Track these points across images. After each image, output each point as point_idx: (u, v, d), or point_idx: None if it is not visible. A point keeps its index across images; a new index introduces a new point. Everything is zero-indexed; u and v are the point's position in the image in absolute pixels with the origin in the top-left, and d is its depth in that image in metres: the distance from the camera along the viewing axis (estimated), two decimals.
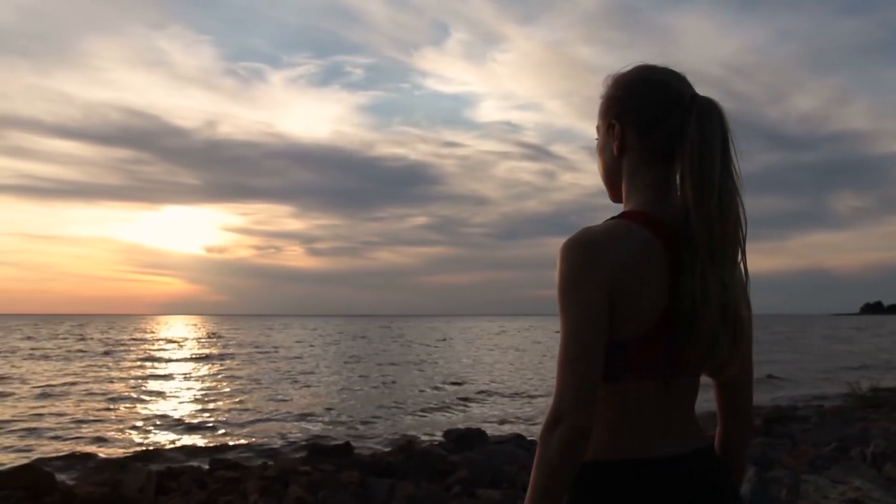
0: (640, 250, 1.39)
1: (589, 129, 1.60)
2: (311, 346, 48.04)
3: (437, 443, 9.82)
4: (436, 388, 21.28)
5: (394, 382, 22.94)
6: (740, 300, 1.40)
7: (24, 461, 9.30)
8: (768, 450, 9.38)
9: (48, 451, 11.20)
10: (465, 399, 18.39)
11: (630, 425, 1.43)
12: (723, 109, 1.42)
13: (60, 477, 8.09)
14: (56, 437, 12.49)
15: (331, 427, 13.80)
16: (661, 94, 1.46)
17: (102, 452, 11.12)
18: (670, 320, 1.39)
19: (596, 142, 1.59)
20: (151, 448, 11.50)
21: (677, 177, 1.44)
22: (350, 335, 67.58)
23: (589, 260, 1.36)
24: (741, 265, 1.43)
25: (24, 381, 21.82)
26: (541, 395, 18.71)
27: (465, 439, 9.26)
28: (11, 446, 11.70)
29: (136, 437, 12.64)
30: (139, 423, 14.22)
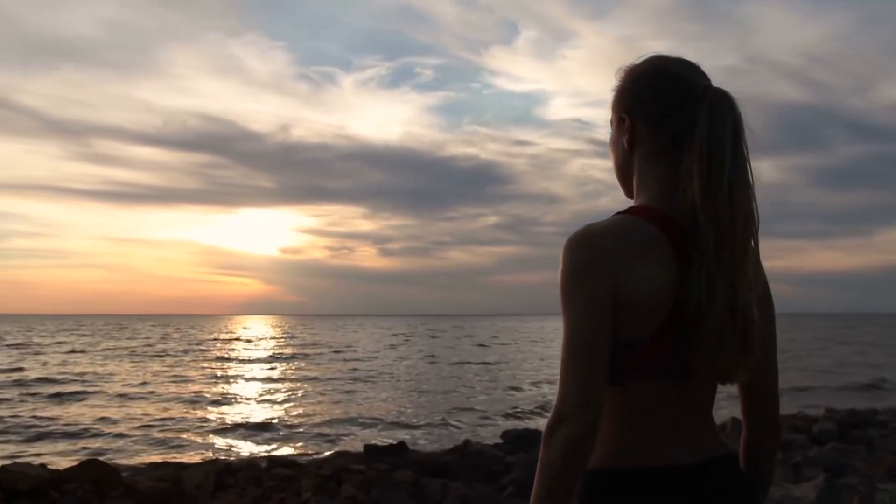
0: (646, 247, 1.34)
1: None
2: (382, 345, 48.49)
3: (494, 444, 9.72)
4: (506, 388, 21.05)
5: (461, 382, 22.89)
6: (752, 302, 1.33)
7: (92, 457, 9.57)
8: (842, 456, 8.97)
9: (116, 447, 11.55)
10: (533, 401, 18.11)
11: (640, 431, 1.37)
12: (736, 101, 1.36)
13: (125, 472, 8.30)
14: (122, 435, 12.88)
15: (393, 426, 13.85)
16: (672, 87, 1.41)
17: (166, 449, 11.41)
18: (677, 320, 1.33)
19: (609, 136, 1.54)
20: (214, 445, 11.74)
21: (682, 173, 1.36)
22: (421, 335, 67.93)
23: (592, 257, 1.32)
24: (754, 265, 1.35)
25: (104, 380, 22.63)
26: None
27: (523, 440, 9.14)
28: (85, 446, 12.10)
29: (202, 435, 12.94)
30: (207, 421, 14.56)
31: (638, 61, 1.48)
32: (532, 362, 32.83)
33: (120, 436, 12.78)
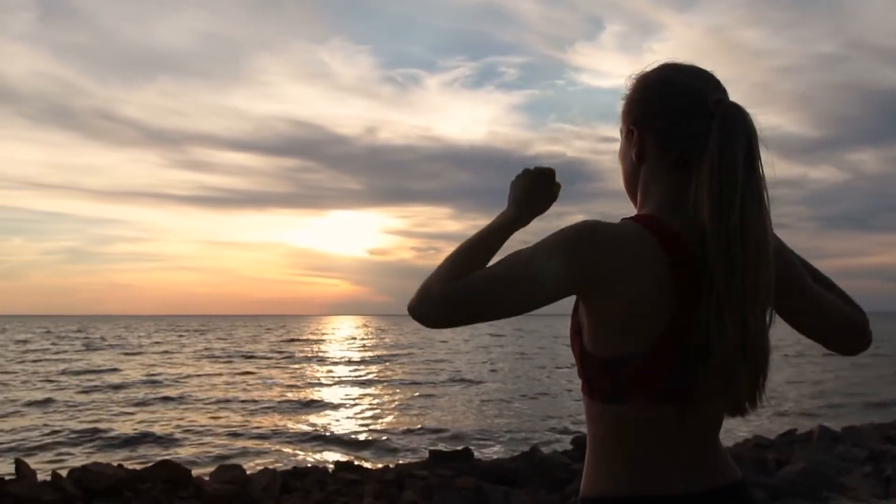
0: (644, 256, 1.26)
1: (756, 116, 1.39)
2: (472, 345, 48.37)
3: (564, 450, 9.49)
4: None
5: (547, 385, 22.59)
6: (766, 335, 1.26)
7: (167, 458, 9.84)
8: None
9: (192, 449, 11.85)
10: None
11: (638, 457, 1.29)
12: (750, 117, 1.27)
13: (197, 473, 8.48)
14: (201, 437, 13.21)
15: (469, 431, 13.76)
16: (682, 98, 1.33)
17: (240, 453, 11.64)
18: (680, 342, 1.25)
19: (620, 146, 1.48)
20: (288, 448, 11.89)
21: (692, 192, 1.28)
22: (511, 335, 67.42)
23: (589, 238, 1.26)
24: (770, 296, 1.26)
25: (191, 382, 23.37)
26: None
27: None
28: (164, 448, 12.46)
29: (279, 439, 13.13)
30: (285, 425, 14.78)
31: (649, 69, 1.40)
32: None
33: (199, 438, 13.10)
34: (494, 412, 16.67)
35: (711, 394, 1.25)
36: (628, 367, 1.26)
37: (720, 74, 1.38)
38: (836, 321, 1.42)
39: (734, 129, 1.25)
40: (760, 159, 1.26)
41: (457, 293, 1.27)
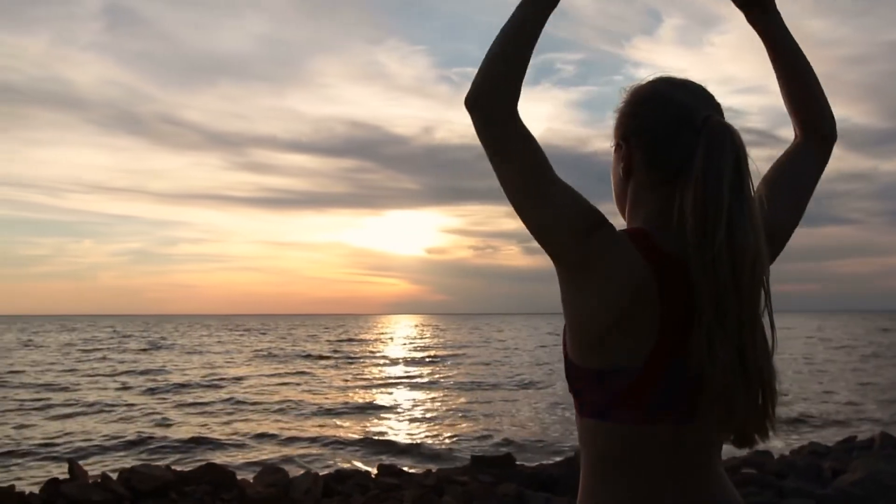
0: (638, 267, 1.23)
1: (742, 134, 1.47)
2: (532, 343, 48.02)
3: None
4: None
5: None
6: (767, 359, 1.20)
7: (216, 460, 9.97)
8: None
9: (241, 449, 12.00)
10: None
11: (629, 475, 1.26)
12: (738, 135, 1.24)
13: (242, 476, 8.57)
14: (252, 436, 13.38)
15: (516, 435, 13.63)
16: (670, 114, 1.31)
17: (286, 453, 11.74)
18: (671, 362, 1.22)
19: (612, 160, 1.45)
20: (336, 451, 11.94)
21: (675, 209, 1.26)
22: None
23: (607, 228, 1.24)
24: (765, 318, 1.22)
25: (244, 383, 23.76)
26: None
27: None
28: (214, 451, 12.63)
29: (324, 439, 13.20)
30: (336, 426, 14.85)
31: (641, 82, 1.38)
32: None
33: (249, 440, 13.24)
34: (546, 416, 16.48)
35: (714, 424, 1.22)
36: (618, 381, 1.23)
37: None
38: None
39: (721, 146, 1.21)
40: (750, 178, 1.22)
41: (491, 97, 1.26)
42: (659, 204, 1.30)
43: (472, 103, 1.26)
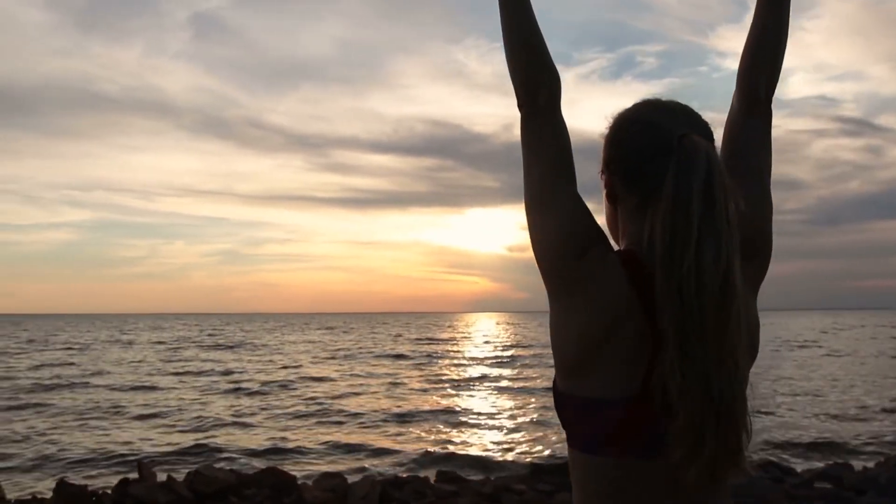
0: (623, 290, 1.19)
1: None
2: None
3: None
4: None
5: None
6: (739, 392, 1.11)
7: (275, 465, 10.06)
8: None
9: (308, 456, 12.08)
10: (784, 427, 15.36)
11: None
12: (710, 154, 1.17)
13: (303, 480, 8.62)
14: (321, 441, 13.46)
15: None
16: (647, 138, 1.28)
17: (351, 456, 11.77)
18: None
19: None
20: (400, 456, 11.89)
21: (646, 232, 1.21)
22: None
23: (602, 245, 1.25)
24: (739, 346, 1.12)
25: (323, 384, 24.07)
26: (854, 419, 15.26)
27: None
28: (281, 454, 12.75)
29: (386, 442, 13.18)
30: (402, 430, 14.82)
31: (627, 107, 1.36)
32: (788, 373, 27.05)
33: (318, 444, 13.32)
34: None
35: (684, 462, 1.12)
36: (607, 413, 1.18)
37: (881, 49, 1.27)
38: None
39: (691, 167, 1.14)
40: (724, 197, 1.13)
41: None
42: (640, 229, 1.25)
43: (522, 99, 1.31)
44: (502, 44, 1.33)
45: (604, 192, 1.36)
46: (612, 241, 1.33)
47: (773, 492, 6.68)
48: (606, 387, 1.18)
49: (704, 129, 1.29)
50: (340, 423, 15.54)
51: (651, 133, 1.27)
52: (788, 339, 50.06)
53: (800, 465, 9.65)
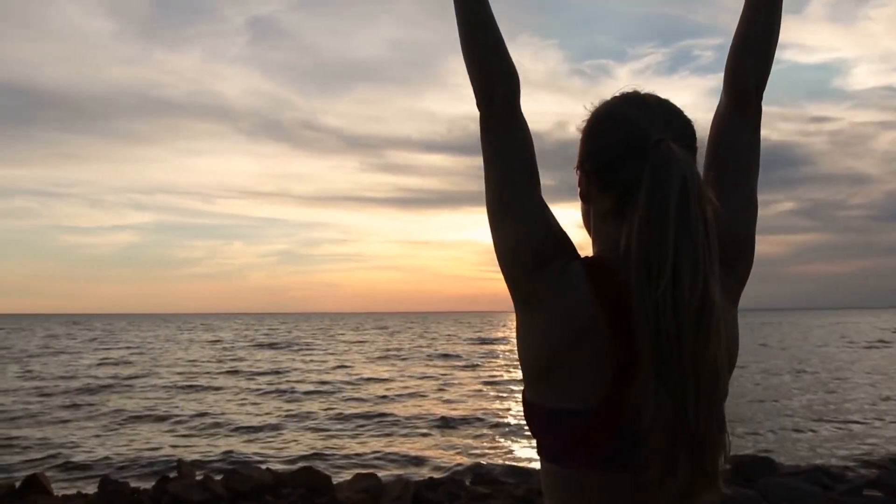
0: (586, 302, 1.15)
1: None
2: None
3: None
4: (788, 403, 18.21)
5: (747, 390, 20.91)
6: (713, 417, 1.07)
7: (310, 464, 10.06)
8: None
9: (342, 458, 12.08)
10: (820, 420, 15.22)
11: None
12: (689, 165, 1.10)
13: (338, 480, 8.61)
14: (354, 437, 13.47)
15: None
16: (620, 136, 1.22)
17: (389, 457, 11.72)
18: (625, 409, 1.11)
19: None
20: (430, 456, 11.80)
21: (622, 245, 1.15)
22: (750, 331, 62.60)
23: (559, 259, 1.19)
24: (719, 364, 1.07)
25: (373, 385, 24.12)
26: None
27: (746, 468, 7.99)
28: (328, 457, 12.76)
29: (430, 450, 13.05)
30: (445, 433, 14.70)
31: (606, 99, 1.29)
32: (848, 375, 25.86)
33: (363, 445, 13.30)
34: None
35: (655, 486, 1.09)
36: (571, 423, 1.16)
37: None
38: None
39: (665, 179, 1.09)
40: (702, 210, 1.08)
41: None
42: (614, 232, 1.20)
43: (479, 99, 1.26)
44: (460, 43, 1.30)
45: (578, 191, 1.31)
46: (582, 246, 1.29)
47: (819, 499, 6.40)
48: (568, 398, 1.16)
49: (683, 129, 1.23)
50: (386, 427, 15.46)
51: (625, 132, 1.21)
52: (858, 339, 48.08)
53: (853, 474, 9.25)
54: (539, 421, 1.21)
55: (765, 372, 26.29)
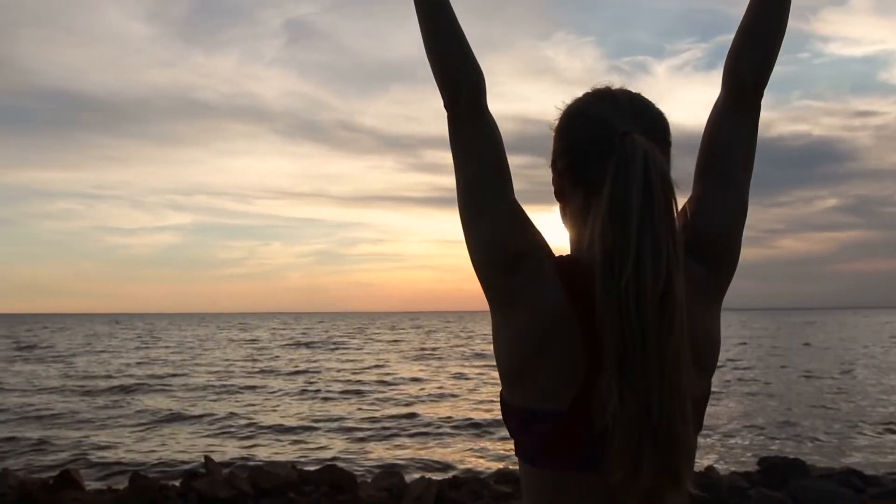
0: (557, 302, 1.14)
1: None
2: (729, 343, 45.04)
3: (745, 472, 8.46)
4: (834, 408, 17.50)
5: (769, 392, 20.64)
6: (679, 417, 1.05)
7: (333, 462, 10.07)
8: None
9: (367, 457, 12.07)
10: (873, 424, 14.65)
11: None
12: (653, 155, 1.08)
13: (362, 479, 8.60)
14: (383, 439, 13.46)
15: None
16: (589, 133, 1.21)
17: (417, 457, 11.68)
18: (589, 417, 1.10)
19: None
20: (458, 459, 11.73)
21: (586, 241, 1.17)
22: (757, 334, 61.89)
23: (533, 261, 1.18)
24: (681, 363, 1.05)
25: (405, 385, 24.12)
26: None
27: (779, 472, 7.79)
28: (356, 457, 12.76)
29: (453, 447, 12.99)
30: (476, 440, 14.59)
31: (578, 96, 1.28)
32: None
33: (385, 438, 13.32)
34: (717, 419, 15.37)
35: (620, 487, 1.07)
36: (545, 424, 1.15)
37: None
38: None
39: (629, 171, 1.07)
40: (668, 204, 1.06)
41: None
42: (586, 230, 1.19)
43: (445, 100, 1.25)
44: (423, 45, 1.28)
45: (553, 190, 1.31)
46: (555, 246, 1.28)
47: (851, 502, 6.21)
48: (543, 399, 1.15)
49: (653, 122, 1.21)
50: (416, 429, 15.39)
51: (595, 129, 1.20)
52: None
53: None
54: (515, 422, 1.21)
55: (806, 372, 25.74)
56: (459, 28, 1.25)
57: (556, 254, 1.23)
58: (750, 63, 1.24)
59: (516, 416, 1.20)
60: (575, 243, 1.26)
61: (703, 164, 1.26)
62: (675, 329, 1.04)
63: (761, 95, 1.26)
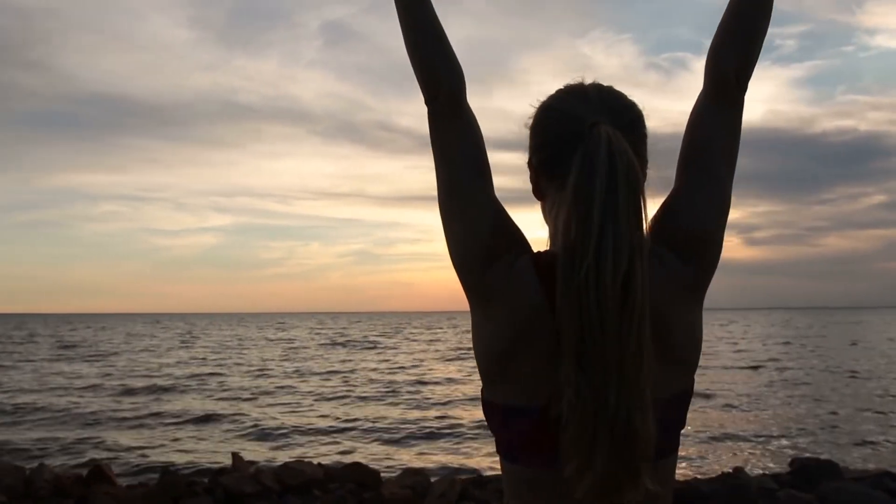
0: (534, 299, 1.14)
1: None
2: (770, 342, 44.32)
3: (774, 473, 8.26)
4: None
5: (810, 394, 20.16)
6: (638, 409, 1.03)
7: (358, 460, 10.08)
8: None
9: (394, 456, 12.06)
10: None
11: None
12: (618, 144, 1.06)
13: (386, 476, 8.60)
14: (415, 441, 13.45)
15: (710, 442, 12.64)
16: (561, 128, 1.21)
17: (445, 455, 11.64)
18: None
19: None
20: (486, 458, 11.66)
21: (551, 233, 1.25)
22: (802, 333, 60.31)
23: (510, 256, 1.18)
24: (642, 355, 1.04)
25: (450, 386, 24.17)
26: None
27: (808, 471, 7.61)
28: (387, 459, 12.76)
29: (484, 449, 12.89)
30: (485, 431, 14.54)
31: (552, 93, 1.28)
32: None
33: (407, 437, 13.33)
34: (739, 420, 15.19)
35: (575, 480, 1.05)
36: (522, 421, 1.15)
37: None
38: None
39: (593, 160, 1.05)
40: (629, 191, 1.04)
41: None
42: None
43: (425, 96, 1.26)
44: (404, 40, 1.29)
45: (531, 188, 1.31)
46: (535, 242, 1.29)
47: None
48: (519, 396, 1.16)
49: (623, 113, 1.20)
50: (448, 430, 15.33)
51: (565, 123, 1.20)
52: None
53: None
54: (495, 419, 1.21)
55: (851, 372, 25.13)
56: (440, 26, 1.25)
57: (536, 250, 1.23)
58: (732, 55, 1.22)
59: (496, 414, 1.20)
60: (551, 238, 1.26)
61: (684, 158, 1.24)
62: (635, 321, 1.02)
63: (744, 90, 1.24)
